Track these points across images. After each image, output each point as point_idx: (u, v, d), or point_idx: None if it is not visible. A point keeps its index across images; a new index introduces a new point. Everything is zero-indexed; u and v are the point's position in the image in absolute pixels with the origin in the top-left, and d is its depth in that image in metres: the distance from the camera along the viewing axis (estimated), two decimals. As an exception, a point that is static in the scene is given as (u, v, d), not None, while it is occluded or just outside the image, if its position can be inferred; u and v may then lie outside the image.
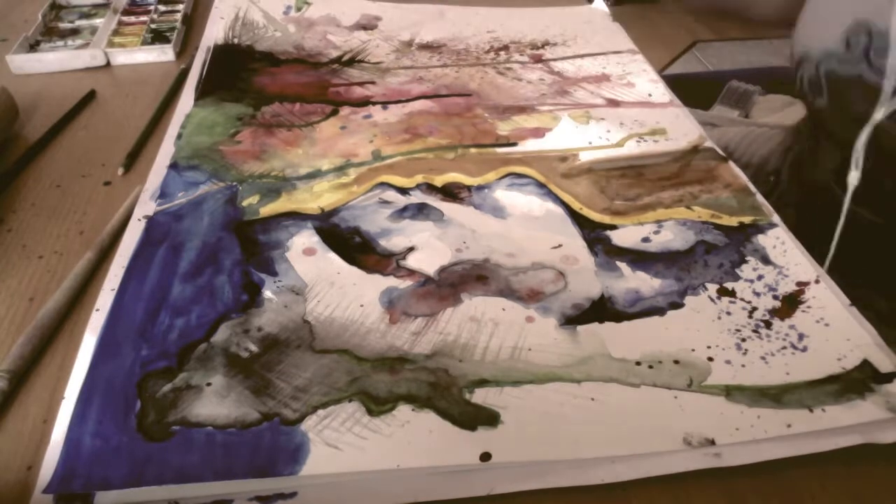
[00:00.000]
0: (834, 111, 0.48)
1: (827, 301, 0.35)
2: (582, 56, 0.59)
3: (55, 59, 0.57)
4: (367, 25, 0.63)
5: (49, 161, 0.46)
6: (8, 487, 0.26)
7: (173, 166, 0.43)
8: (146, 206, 0.39)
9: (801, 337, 0.33)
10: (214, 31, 0.60)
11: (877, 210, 0.46)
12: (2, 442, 0.28)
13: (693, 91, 0.59)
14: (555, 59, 0.58)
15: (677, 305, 0.34)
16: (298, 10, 0.65)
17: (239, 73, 0.54)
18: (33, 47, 0.59)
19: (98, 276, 0.36)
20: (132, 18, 0.64)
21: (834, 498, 0.27)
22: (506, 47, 0.60)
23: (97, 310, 0.33)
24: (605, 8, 0.68)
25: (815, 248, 0.40)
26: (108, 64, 0.58)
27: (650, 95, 0.53)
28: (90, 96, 0.53)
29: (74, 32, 0.62)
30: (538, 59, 0.58)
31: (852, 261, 0.42)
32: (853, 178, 0.43)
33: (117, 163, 0.45)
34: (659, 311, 0.34)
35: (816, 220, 0.46)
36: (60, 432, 0.27)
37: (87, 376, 0.29)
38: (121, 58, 0.58)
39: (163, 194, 0.40)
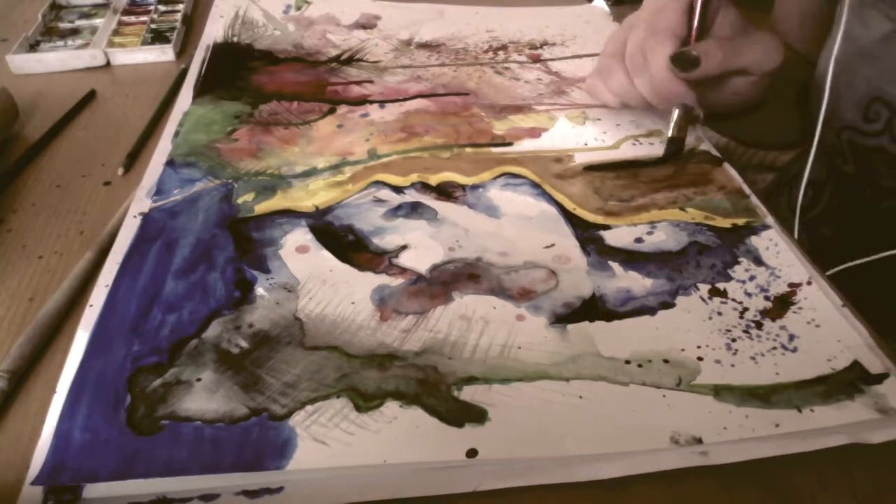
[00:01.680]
0: (864, 180, 0.47)
1: (819, 302, 0.35)
2: (580, 56, 0.59)
3: (55, 59, 0.57)
4: (366, 24, 0.63)
5: (49, 161, 0.46)
6: (8, 487, 0.26)
7: (170, 163, 0.43)
8: (142, 203, 0.40)
9: (791, 338, 0.33)
10: (214, 30, 0.60)
11: None
12: (1, 442, 0.29)
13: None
14: (553, 59, 0.58)
15: (668, 305, 0.34)
16: (298, 8, 0.65)
17: (238, 72, 0.54)
18: (33, 47, 0.59)
19: (98, 276, 0.36)
20: (132, 18, 0.65)
21: (834, 498, 0.27)
22: (504, 47, 0.60)
23: (90, 305, 0.33)
24: (605, 7, 0.68)
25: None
26: (108, 64, 0.59)
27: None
28: (90, 96, 0.54)
29: (74, 32, 0.62)
30: (536, 59, 0.58)
31: None
32: None
33: (117, 163, 0.45)
34: (650, 311, 0.34)
35: (865, 242, 0.45)
36: (51, 426, 0.27)
37: (78, 371, 0.30)
38: (121, 58, 0.59)
39: (159, 191, 0.41)
